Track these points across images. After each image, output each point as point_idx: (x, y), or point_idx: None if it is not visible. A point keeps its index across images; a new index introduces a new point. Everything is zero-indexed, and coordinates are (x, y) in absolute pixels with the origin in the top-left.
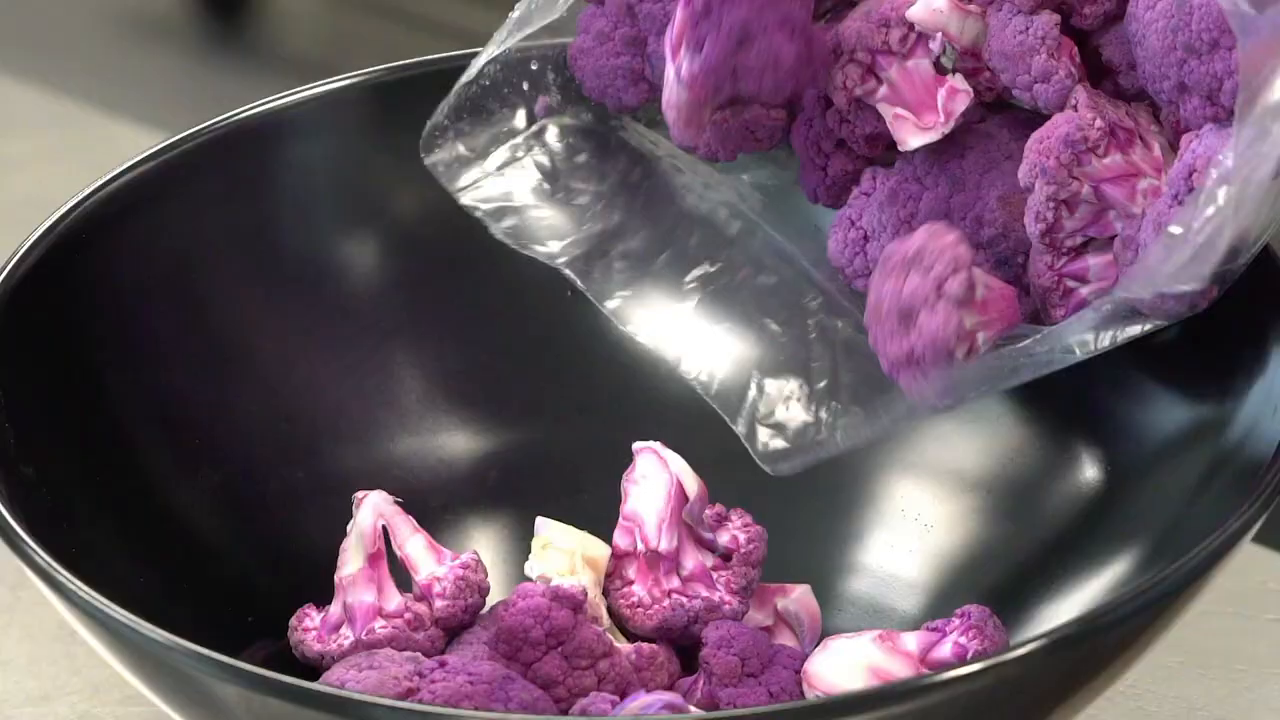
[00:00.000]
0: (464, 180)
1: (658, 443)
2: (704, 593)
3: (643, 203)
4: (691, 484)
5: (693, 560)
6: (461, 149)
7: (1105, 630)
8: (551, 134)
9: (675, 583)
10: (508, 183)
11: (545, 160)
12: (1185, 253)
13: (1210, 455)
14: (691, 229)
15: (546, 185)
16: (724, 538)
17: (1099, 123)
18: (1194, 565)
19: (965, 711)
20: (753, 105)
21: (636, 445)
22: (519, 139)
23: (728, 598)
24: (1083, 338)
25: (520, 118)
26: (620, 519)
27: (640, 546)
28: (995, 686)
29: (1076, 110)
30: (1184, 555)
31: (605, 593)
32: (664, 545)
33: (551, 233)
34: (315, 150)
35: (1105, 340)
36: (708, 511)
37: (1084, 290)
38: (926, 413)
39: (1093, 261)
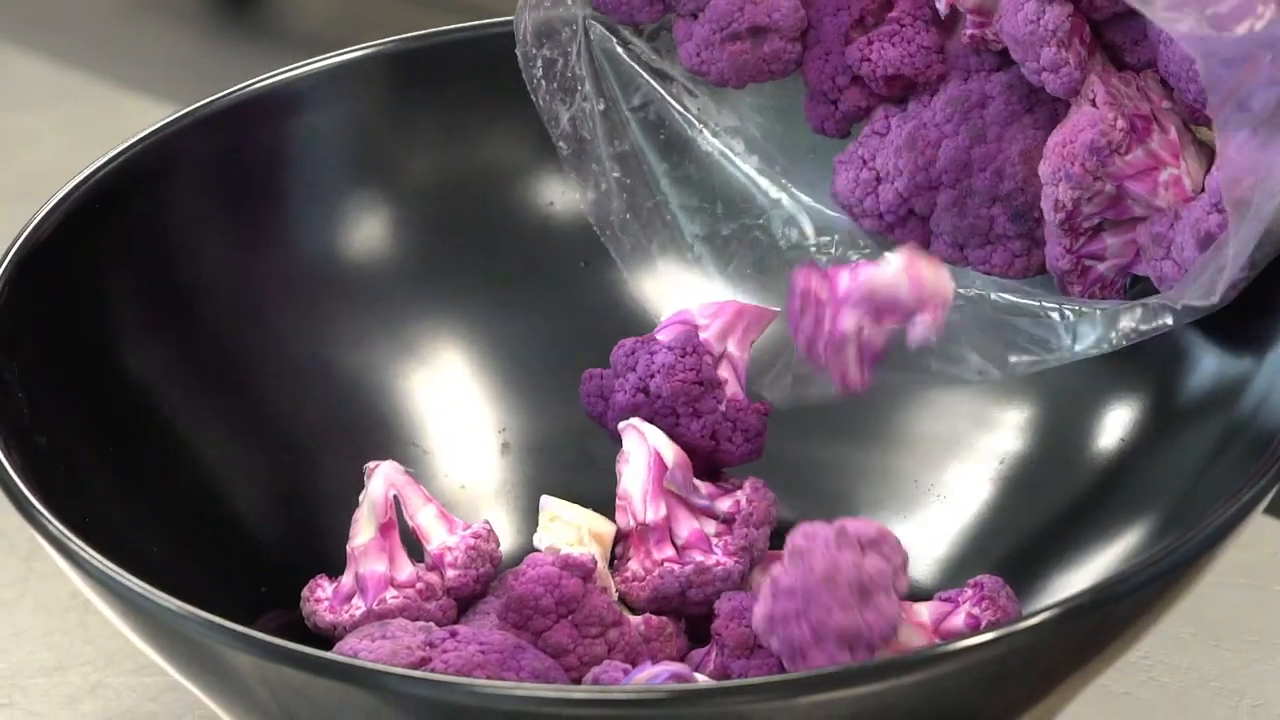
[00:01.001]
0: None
1: (636, 417)
2: (697, 558)
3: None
4: (668, 452)
5: (687, 528)
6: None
7: (1117, 600)
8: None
9: (669, 552)
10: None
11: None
12: (1236, 268)
13: (1222, 427)
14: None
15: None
16: (726, 504)
17: (1120, 122)
18: (1206, 536)
19: (978, 681)
20: (773, 38)
21: (621, 424)
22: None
23: (723, 559)
24: (1107, 334)
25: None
26: (616, 500)
27: (632, 523)
28: (1007, 656)
29: (1095, 105)
30: (1196, 526)
31: (612, 572)
32: (650, 517)
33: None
34: (327, 121)
35: (1126, 338)
36: (720, 482)
37: (1101, 267)
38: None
39: (1110, 241)
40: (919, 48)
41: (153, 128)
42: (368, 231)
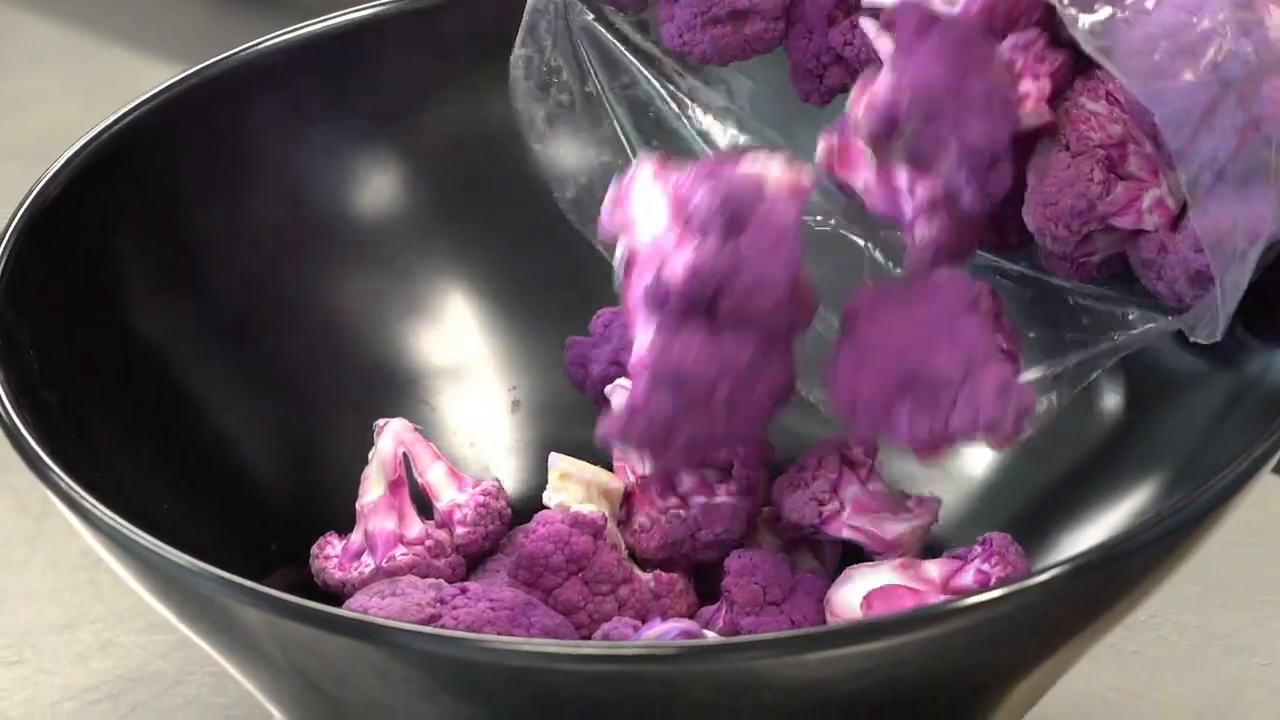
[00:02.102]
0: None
1: (623, 378)
2: (701, 500)
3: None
4: None
5: (689, 479)
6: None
7: (1126, 557)
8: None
9: (673, 500)
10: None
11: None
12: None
13: (1231, 385)
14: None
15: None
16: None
17: (1097, 173)
18: (1214, 494)
19: (987, 637)
20: (754, 20)
21: (608, 387)
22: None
23: (727, 497)
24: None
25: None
26: (615, 460)
27: (633, 479)
28: (1017, 612)
29: (1069, 149)
30: (1204, 484)
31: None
32: (649, 468)
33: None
34: (336, 81)
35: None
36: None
37: (1094, 259)
38: None
39: (1101, 240)
40: None
41: (161, 86)
42: (378, 190)
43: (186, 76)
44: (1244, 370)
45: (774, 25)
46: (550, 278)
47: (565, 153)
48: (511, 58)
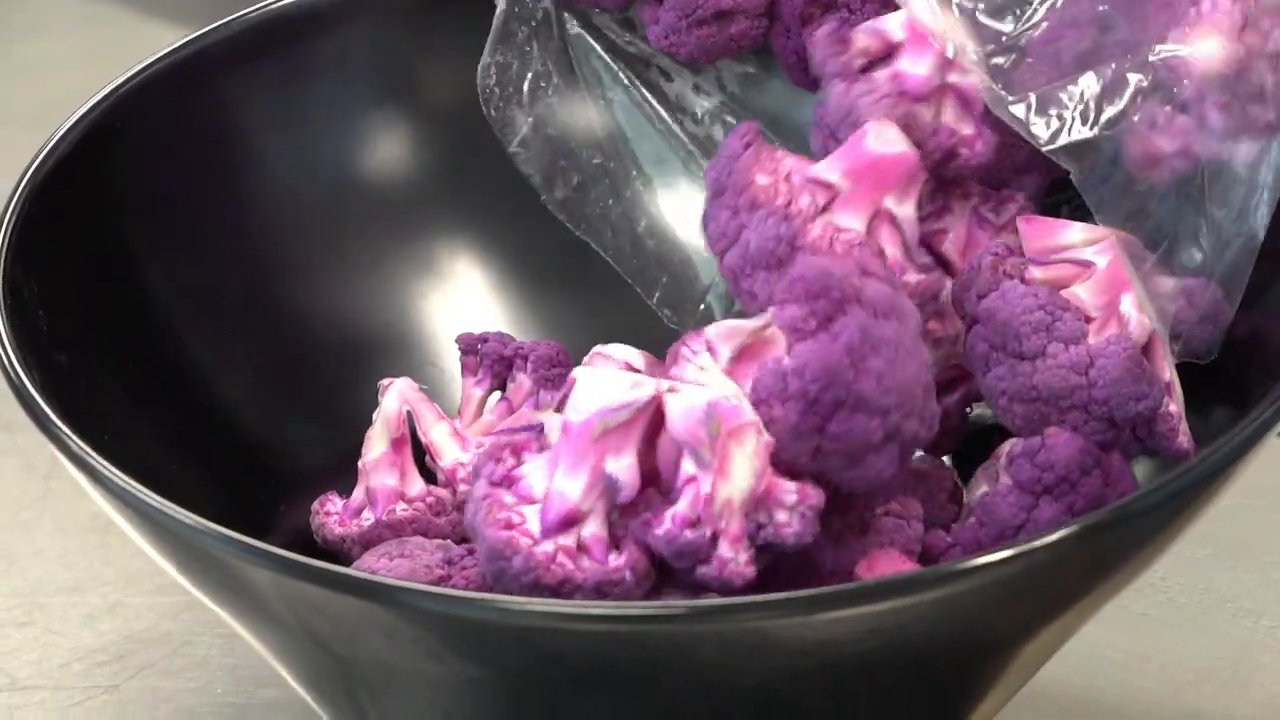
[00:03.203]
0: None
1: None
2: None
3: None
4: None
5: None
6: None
7: (1135, 518)
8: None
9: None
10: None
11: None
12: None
13: (1240, 345)
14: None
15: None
16: None
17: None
18: (1223, 455)
19: (995, 599)
20: (738, 19)
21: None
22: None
23: None
24: None
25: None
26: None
27: None
28: (1025, 573)
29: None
30: (1213, 446)
31: None
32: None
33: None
34: (347, 42)
35: None
36: None
37: None
38: None
39: None
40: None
41: (169, 49)
42: (387, 151)
43: (193, 40)
44: (1253, 332)
45: (758, 23)
46: (558, 240)
47: (555, 154)
48: (480, 66)
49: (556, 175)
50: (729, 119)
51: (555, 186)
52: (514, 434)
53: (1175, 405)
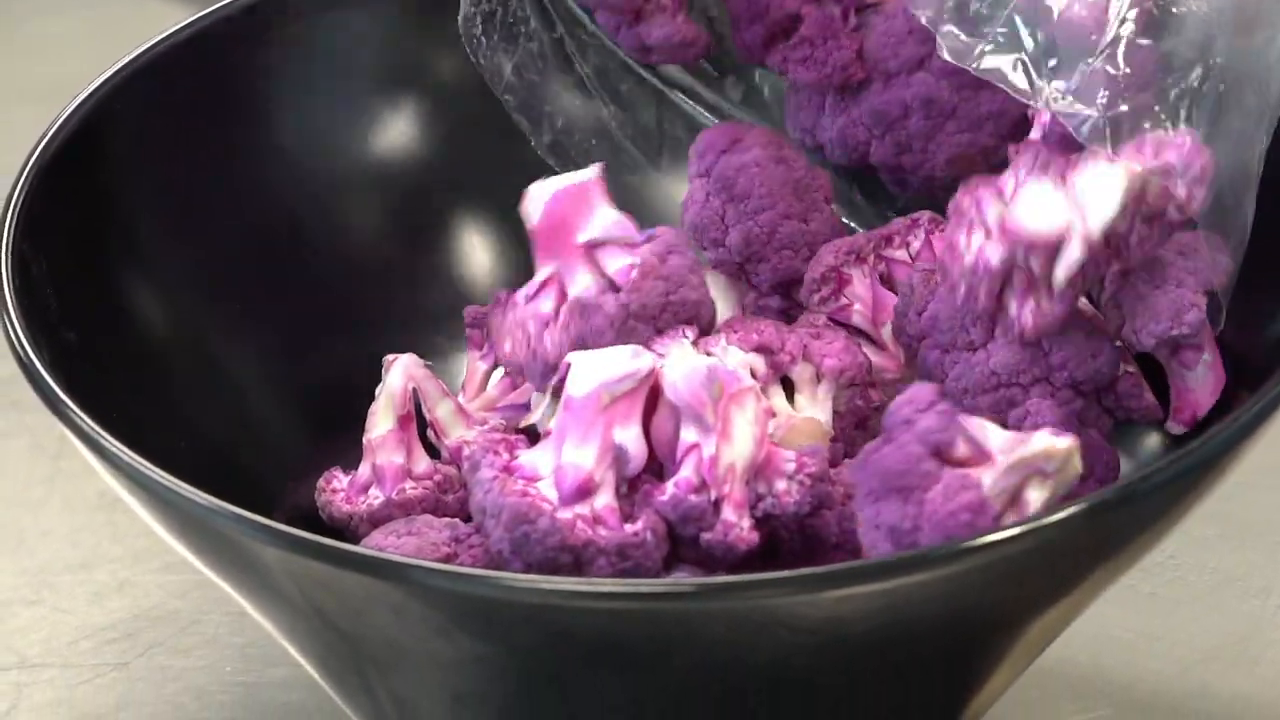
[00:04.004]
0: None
1: None
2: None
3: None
4: None
5: None
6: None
7: (1142, 497)
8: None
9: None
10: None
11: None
12: None
13: (1247, 322)
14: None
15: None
16: None
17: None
18: (1231, 434)
19: (1003, 577)
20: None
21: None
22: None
23: None
24: None
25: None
26: None
27: None
28: (1033, 551)
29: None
30: (1221, 424)
31: None
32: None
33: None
34: (354, 21)
35: None
36: None
37: None
38: None
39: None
40: (833, 68)
41: (177, 27)
42: (395, 130)
43: (201, 18)
44: (1261, 310)
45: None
46: None
47: (538, 99)
48: (460, 18)
49: (543, 119)
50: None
51: (542, 130)
52: (503, 434)
53: (1133, 367)
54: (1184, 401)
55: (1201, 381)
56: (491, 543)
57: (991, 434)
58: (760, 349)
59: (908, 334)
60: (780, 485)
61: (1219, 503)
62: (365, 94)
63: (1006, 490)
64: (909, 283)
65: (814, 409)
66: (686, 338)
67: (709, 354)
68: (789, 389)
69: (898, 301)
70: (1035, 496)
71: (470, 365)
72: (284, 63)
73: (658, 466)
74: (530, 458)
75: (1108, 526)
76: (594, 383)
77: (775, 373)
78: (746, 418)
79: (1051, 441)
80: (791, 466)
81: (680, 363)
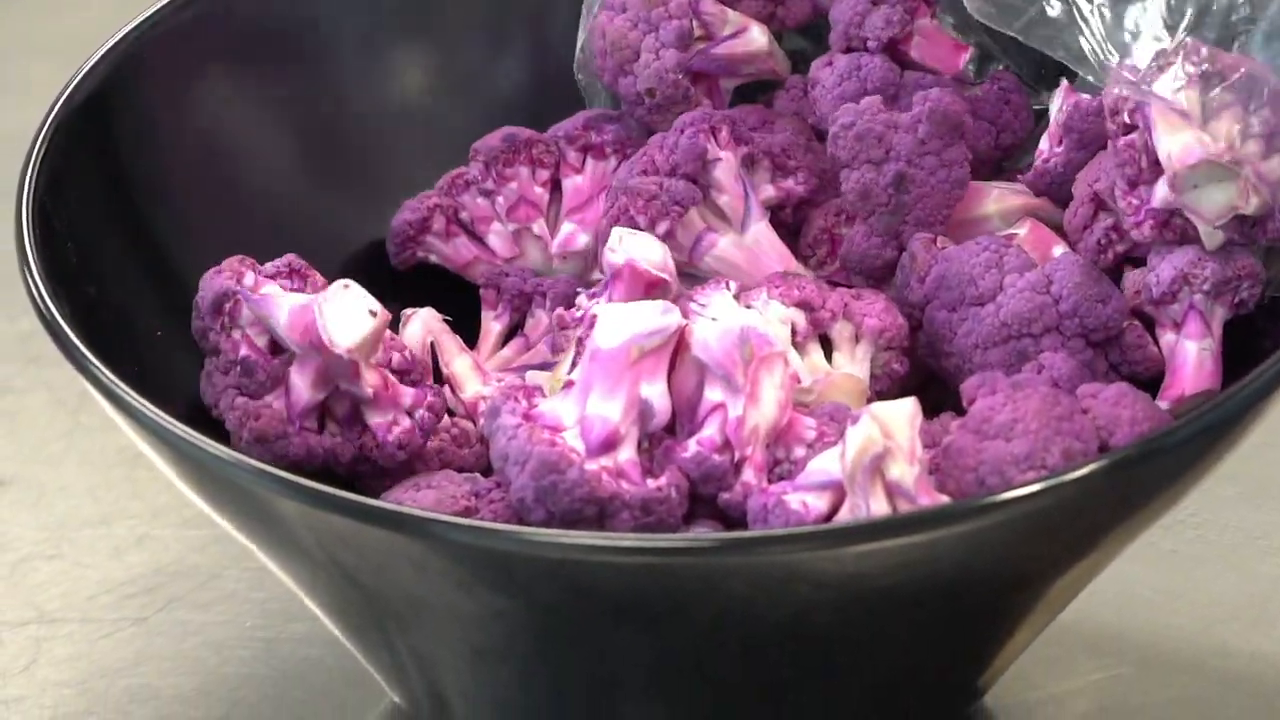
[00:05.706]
0: None
1: None
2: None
3: None
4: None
5: None
6: None
7: (1164, 453)
8: None
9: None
10: None
11: None
12: None
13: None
14: None
15: None
16: None
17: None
18: (1252, 391)
19: (1024, 533)
20: None
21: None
22: None
23: None
24: None
25: None
26: None
27: None
28: (1053, 508)
29: None
30: (1242, 382)
31: None
32: None
33: None
34: None
35: None
36: None
37: None
38: None
39: None
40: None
41: None
42: (412, 79)
43: None
44: None
45: None
46: None
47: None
48: None
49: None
50: None
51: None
52: (520, 385)
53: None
54: (1175, 379)
55: (1195, 364)
56: (513, 490)
57: (826, 460)
58: (801, 304)
59: (909, 302)
60: (799, 452)
61: (1239, 461)
62: (384, 44)
63: (868, 490)
64: (909, 251)
65: (851, 368)
66: (728, 289)
67: (749, 307)
68: (827, 348)
69: (897, 273)
70: (901, 471)
71: (485, 324)
72: (301, 13)
73: (671, 423)
74: (551, 405)
75: (1130, 483)
76: (624, 336)
77: (815, 329)
78: (774, 382)
79: (860, 432)
80: (812, 434)
81: (711, 325)
